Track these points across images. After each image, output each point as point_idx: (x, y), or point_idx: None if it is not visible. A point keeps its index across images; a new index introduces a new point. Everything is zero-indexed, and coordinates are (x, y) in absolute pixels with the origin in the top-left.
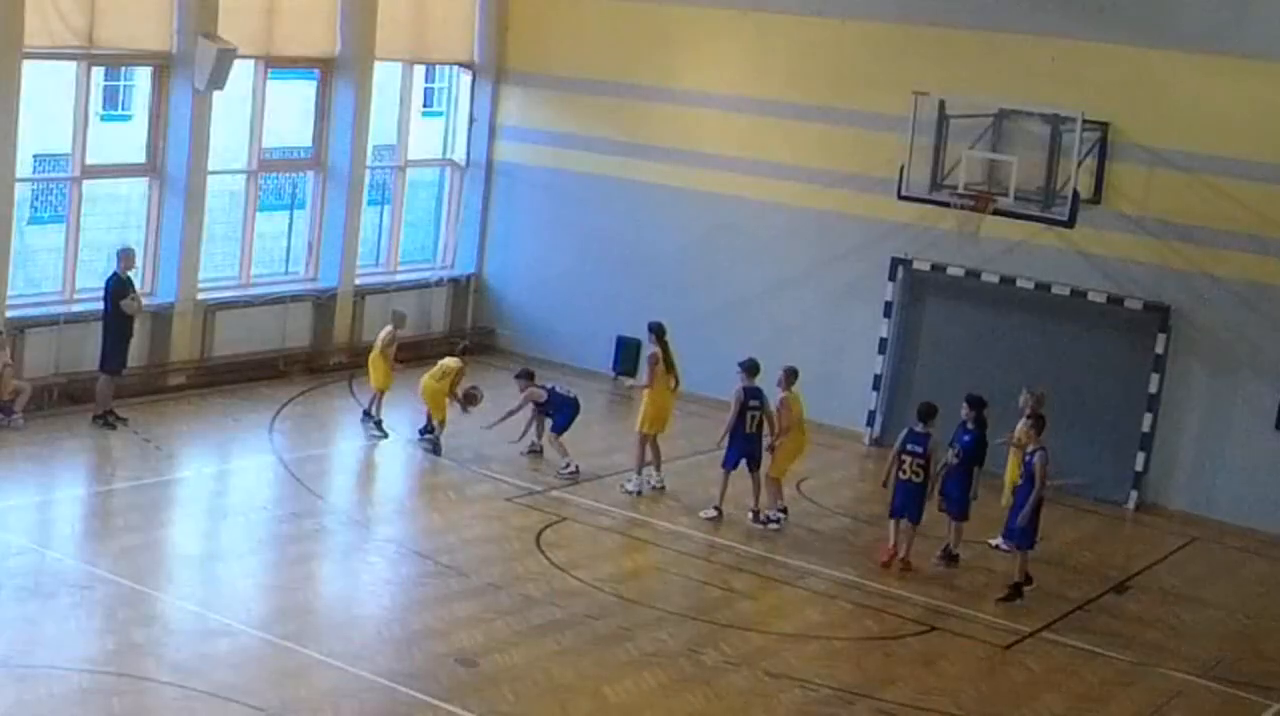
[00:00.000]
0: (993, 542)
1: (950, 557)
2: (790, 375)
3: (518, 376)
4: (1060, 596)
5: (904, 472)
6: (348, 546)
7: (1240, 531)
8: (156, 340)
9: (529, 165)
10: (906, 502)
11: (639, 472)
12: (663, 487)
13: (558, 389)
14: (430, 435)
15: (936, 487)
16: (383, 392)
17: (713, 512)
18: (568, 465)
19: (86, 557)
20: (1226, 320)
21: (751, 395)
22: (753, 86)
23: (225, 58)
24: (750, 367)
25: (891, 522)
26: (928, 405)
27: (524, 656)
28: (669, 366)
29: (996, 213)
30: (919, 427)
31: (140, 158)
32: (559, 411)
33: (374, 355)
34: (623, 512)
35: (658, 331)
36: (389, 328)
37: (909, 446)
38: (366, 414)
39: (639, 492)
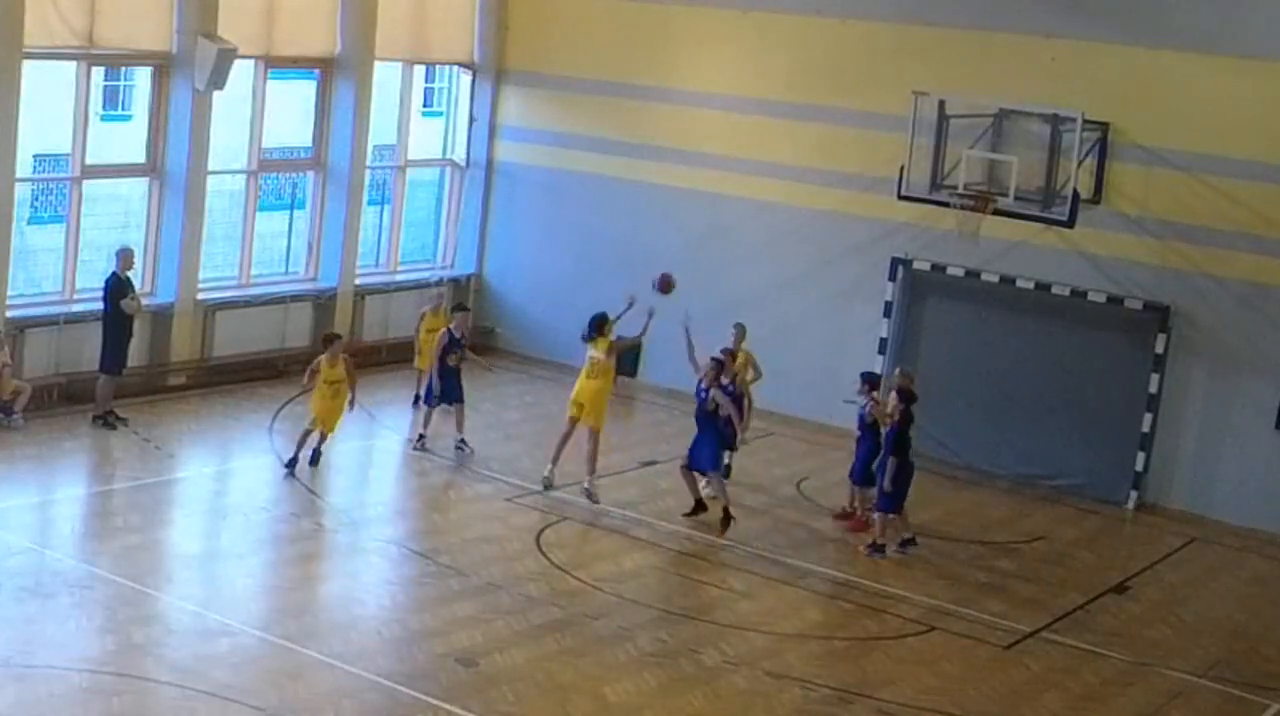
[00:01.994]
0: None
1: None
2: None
3: (455, 308)
4: (1060, 596)
5: None
6: (348, 546)
7: (1240, 531)
8: (156, 340)
9: (529, 165)
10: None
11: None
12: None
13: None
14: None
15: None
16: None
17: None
18: (421, 437)
19: (86, 557)
20: (1226, 320)
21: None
22: (753, 86)
23: (225, 58)
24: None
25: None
26: (871, 373)
27: (524, 656)
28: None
29: (996, 213)
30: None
31: (140, 158)
32: (443, 382)
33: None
34: (622, 512)
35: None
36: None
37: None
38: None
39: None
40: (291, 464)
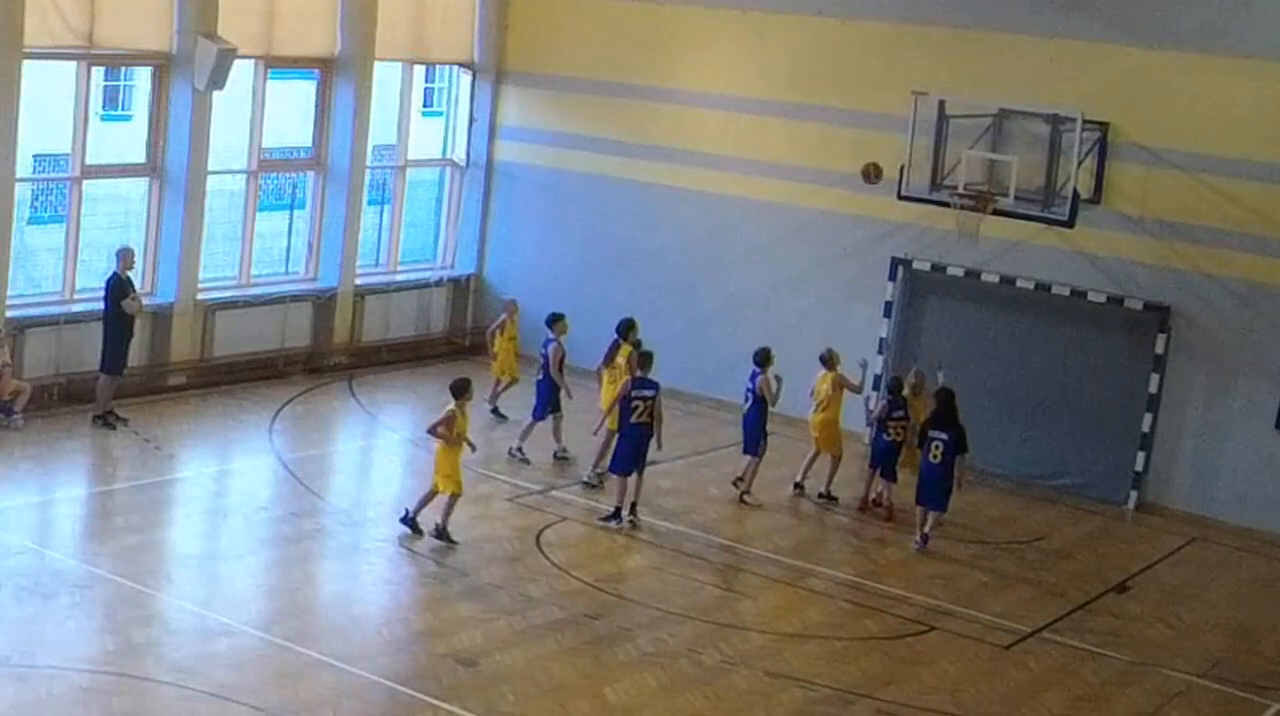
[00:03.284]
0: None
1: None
2: (823, 359)
3: (558, 318)
4: (1060, 596)
5: (889, 434)
6: (348, 546)
7: (1240, 531)
8: (156, 340)
9: (529, 165)
10: (888, 459)
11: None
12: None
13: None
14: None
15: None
16: (500, 380)
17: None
18: (565, 450)
19: (86, 557)
20: (1226, 320)
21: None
22: (753, 86)
23: (225, 58)
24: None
25: (871, 472)
26: (898, 379)
27: (524, 656)
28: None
29: (996, 213)
30: (896, 398)
31: (140, 158)
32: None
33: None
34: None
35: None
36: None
37: (894, 413)
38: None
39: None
40: (409, 522)
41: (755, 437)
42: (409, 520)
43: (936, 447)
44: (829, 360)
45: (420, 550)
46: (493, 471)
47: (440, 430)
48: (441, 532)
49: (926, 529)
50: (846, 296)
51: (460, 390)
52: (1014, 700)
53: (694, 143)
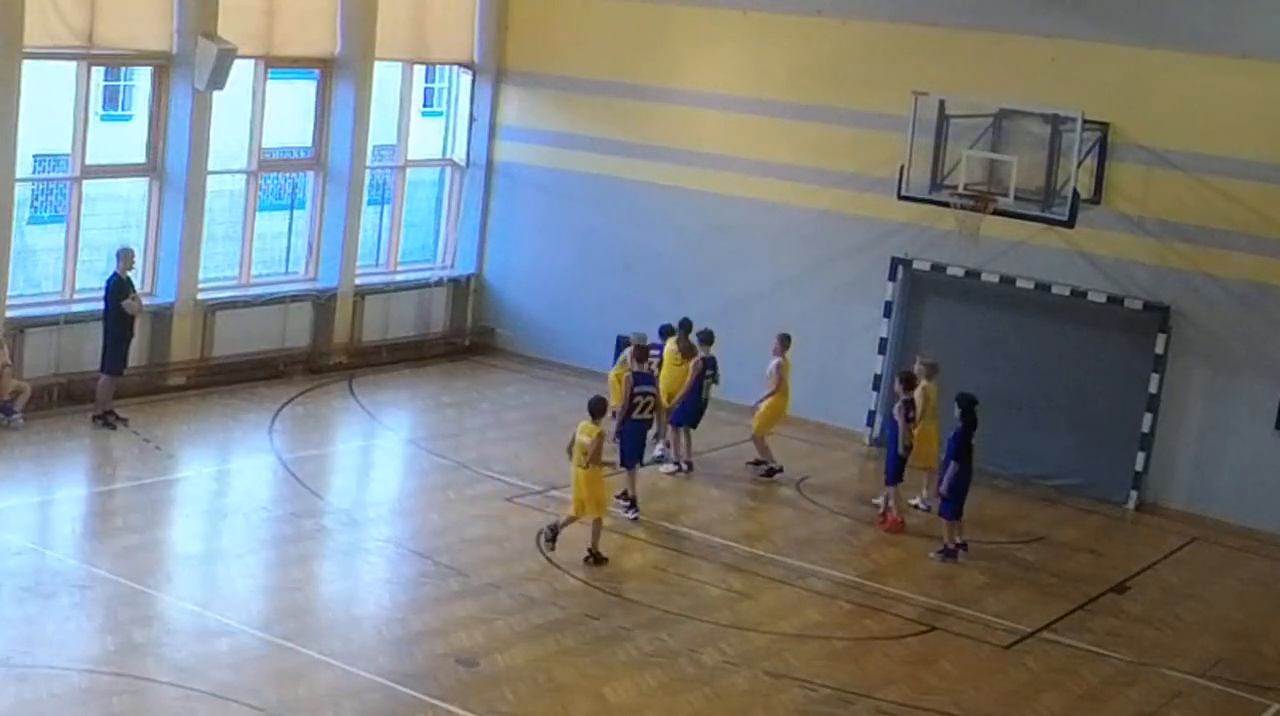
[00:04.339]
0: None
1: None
2: (784, 341)
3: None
4: (1060, 596)
5: (906, 440)
6: (348, 546)
7: (1240, 531)
8: (156, 340)
9: (529, 165)
10: (901, 464)
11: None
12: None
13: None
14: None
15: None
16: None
17: (672, 467)
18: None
19: (86, 557)
20: (1226, 320)
21: (709, 364)
22: (753, 86)
23: (225, 58)
24: (706, 338)
25: (893, 491)
26: (911, 374)
27: (524, 656)
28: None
29: (996, 213)
30: (908, 397)
31: (140, 158)
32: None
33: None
34: (622, 513)
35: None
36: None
37: (909, 415)
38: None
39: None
40: (552, 538)
41: None
42: (551, 535)
43: (976, 454)
44: (787, 342)
45: (420, 550)
46: (492, 471)
47: (595, 458)
48: (596, 556)
49: (960, 538)
50: (846, 296)
51: (602, 410)
52: (1014, 700)
53: (694, 143)
